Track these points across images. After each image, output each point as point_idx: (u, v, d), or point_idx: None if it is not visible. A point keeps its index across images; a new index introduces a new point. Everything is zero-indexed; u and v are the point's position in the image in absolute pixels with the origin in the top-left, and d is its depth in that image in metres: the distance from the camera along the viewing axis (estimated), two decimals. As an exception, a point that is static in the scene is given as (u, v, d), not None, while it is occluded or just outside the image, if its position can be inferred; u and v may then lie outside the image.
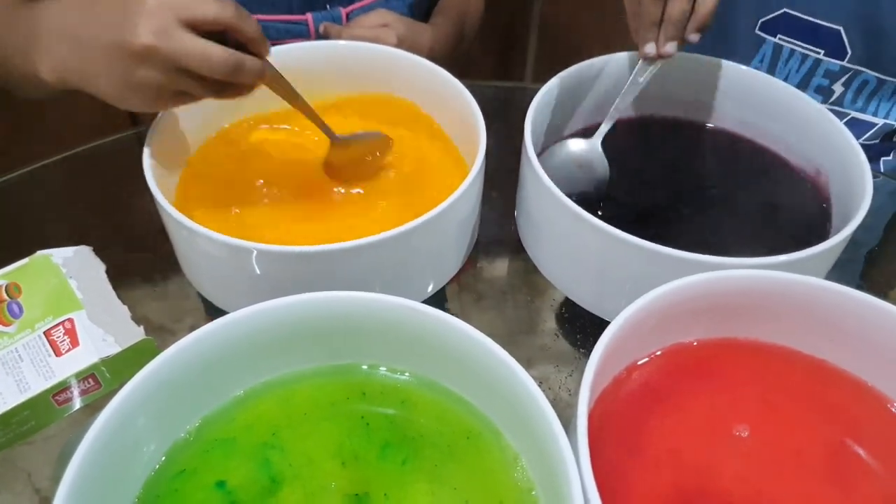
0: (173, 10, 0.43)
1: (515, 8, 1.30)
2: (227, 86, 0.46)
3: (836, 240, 0.43)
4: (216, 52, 0.43)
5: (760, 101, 0.58)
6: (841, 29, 0.67)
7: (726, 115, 0.61)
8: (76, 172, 0.68)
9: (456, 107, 0.55)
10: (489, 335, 0.37)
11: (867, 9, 0.67)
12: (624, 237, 0.44)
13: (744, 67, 0.59)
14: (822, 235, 0.51)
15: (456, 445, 0.39)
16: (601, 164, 0.55)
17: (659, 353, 0.42)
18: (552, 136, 0.59)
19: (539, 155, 0.50)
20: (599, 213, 0.48)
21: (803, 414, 0.41)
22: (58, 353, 0.44)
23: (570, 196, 0.46)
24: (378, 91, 0.61)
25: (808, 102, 0.56)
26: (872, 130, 0.72)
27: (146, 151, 0.50)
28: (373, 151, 0.57)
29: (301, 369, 0.42)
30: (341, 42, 0.62)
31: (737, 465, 0.39)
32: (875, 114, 0.71)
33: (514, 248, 0.57)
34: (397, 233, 0.43)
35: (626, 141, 0.61)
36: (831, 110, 0.70)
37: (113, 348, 0.45)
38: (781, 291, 0.41)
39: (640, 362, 0.42)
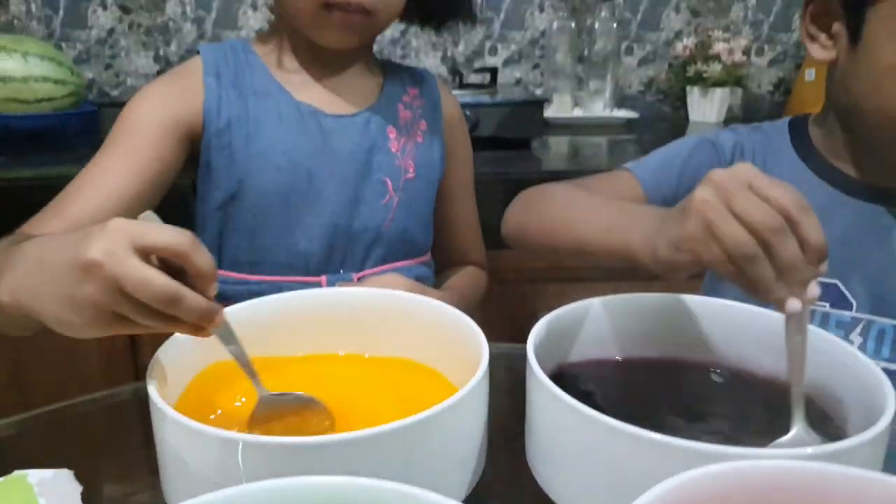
0: (129, 234, 0.44)
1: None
2: (169, 318, 0.45)
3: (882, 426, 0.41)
4: (157, 280, 0.43)
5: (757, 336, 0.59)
6: (837, 282, 0.71)
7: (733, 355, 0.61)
8: (71, 419, 0.66)
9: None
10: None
11: (858, 260, 0.71)
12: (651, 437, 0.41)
13: (729, 303, 0.61)
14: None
15: None
16: None
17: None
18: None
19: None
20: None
21: None
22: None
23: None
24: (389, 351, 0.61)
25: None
26: None
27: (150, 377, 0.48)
28: (302, 416, 0.53)
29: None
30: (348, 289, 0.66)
31: None
32: None
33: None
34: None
35: (627, 383, 0.61)
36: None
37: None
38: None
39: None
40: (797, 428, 0.49)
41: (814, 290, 0.47)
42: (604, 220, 0.64)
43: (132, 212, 0.72)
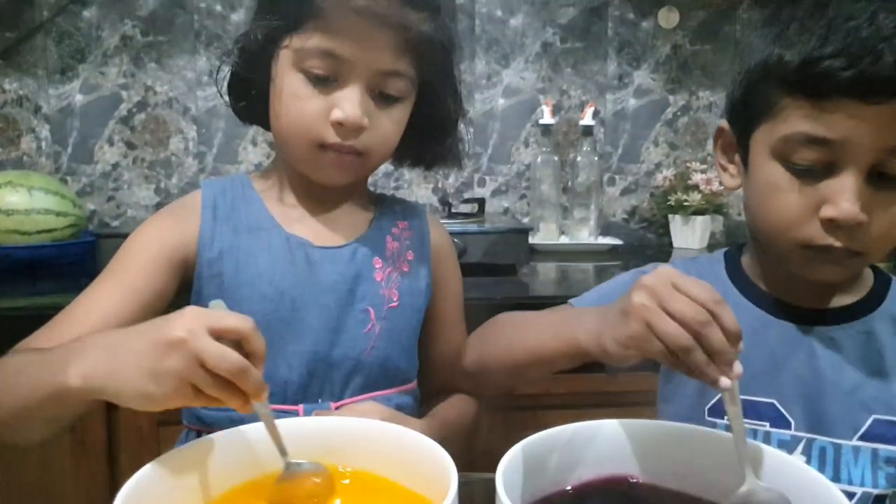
0: (203, 318, 0.54)
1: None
2: (232, 391, 0.54)
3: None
4: (231, 354, 0.53)
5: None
6: (775, 401, 0.72)
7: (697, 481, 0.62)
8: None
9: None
10: None
11: (791, 379, 0.74)
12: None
13: (698, 428, 0.63)
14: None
15: None
16: None
17: None
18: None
19: None
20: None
21: None
22: None
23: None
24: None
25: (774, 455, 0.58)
26: (854, 500, 0.70)
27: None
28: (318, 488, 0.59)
29: None
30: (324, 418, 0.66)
31: None
32: (850, 482, 0.70)
33: None
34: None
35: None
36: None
37: None
38: None
39: None
40: (749, 481, 0.56)
41: (738, 367, 0.56)
42: (551, 327, 0.73)
43: None
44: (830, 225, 0.67)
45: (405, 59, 0.80)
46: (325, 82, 0.79)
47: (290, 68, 0.79)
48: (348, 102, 0.78)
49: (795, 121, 0.67)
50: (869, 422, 0.71)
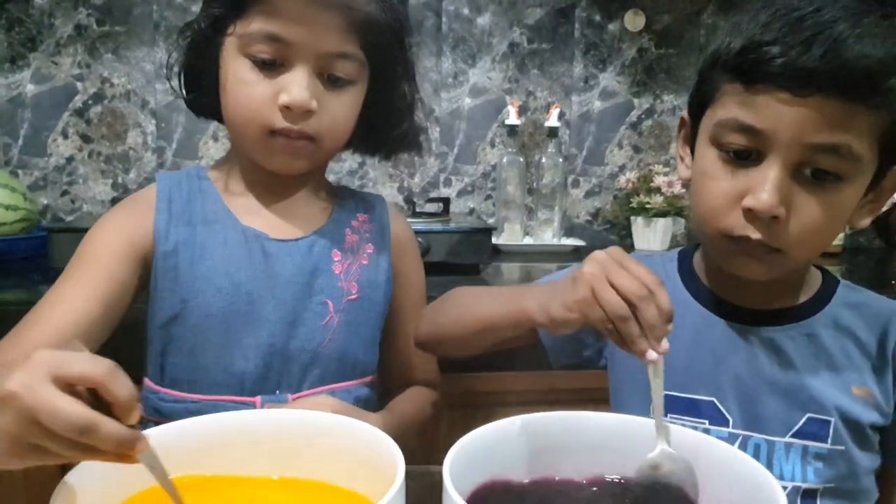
0: (48, 364, 0.44)
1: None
2: (88, 448, 0.44)
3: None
4: (67, 410, 0.43)
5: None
6: (714, 399, 0.73)
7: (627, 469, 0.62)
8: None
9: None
10: None
11: (730, 377, 0.74)
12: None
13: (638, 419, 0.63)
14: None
15: None
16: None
17: None
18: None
19: None
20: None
21: None
22: None
23: None
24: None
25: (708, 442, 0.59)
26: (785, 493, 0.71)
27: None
28: None
29: None
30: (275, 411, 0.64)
31: None
32: (781, 477, 0.71)
33: None
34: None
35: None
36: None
37: None
38: None
39: None
40: (659, 448, 0.60)
41: (665, 344, 0.60)
42: (501, 298, 0.75)
43: (90, 335, 0.73)
44: (749, 215, 0.68)
45: (353, 42, 0.79)
46: (271, 67, 0.77)
47: (236, 54, 0.78)
48: (295, 86, 0.76)
49: (730, 106, 0.68)
50: (803, 420, 0.72)
